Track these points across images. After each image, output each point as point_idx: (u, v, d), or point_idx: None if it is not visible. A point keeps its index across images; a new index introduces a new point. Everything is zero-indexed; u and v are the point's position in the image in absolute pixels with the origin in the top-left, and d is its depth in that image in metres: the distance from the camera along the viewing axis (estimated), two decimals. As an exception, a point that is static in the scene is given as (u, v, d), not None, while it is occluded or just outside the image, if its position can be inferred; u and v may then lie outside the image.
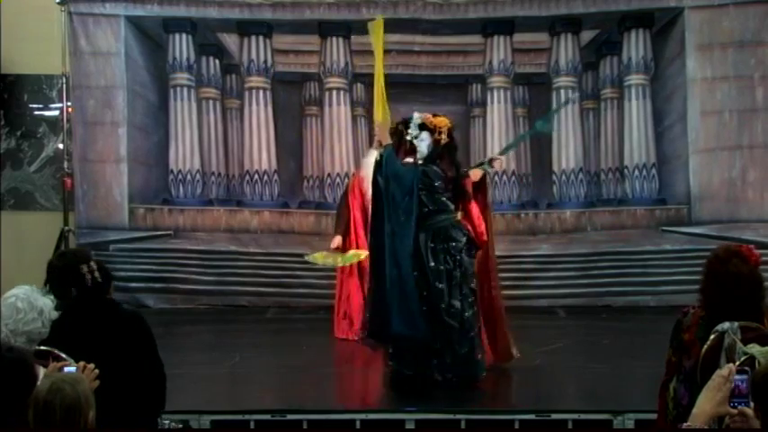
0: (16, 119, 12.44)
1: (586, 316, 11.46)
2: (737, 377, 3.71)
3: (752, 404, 3.65)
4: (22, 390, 3.86)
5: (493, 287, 8.56)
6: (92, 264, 5.41)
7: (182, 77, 12.62)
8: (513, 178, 12.64)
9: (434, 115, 8.39)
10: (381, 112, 8.10)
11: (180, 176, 12.62)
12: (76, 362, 4.48)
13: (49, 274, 5.90)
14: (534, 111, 12.79)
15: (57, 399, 3.77)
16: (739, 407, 3.71)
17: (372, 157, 8.93)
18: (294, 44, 12.76)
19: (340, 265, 10.25)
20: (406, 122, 8.28)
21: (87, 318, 5.25)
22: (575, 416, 7.14)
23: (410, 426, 7.12)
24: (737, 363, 4.16)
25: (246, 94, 12.76)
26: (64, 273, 5.44)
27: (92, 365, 4.39)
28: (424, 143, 8.22)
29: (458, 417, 7.21)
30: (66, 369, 4.32)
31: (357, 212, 10.10)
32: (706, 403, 3.75)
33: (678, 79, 12.37)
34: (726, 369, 3.79)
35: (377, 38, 8.57)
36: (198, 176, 12.65)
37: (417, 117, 8.28)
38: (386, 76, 8.46)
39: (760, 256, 5.02)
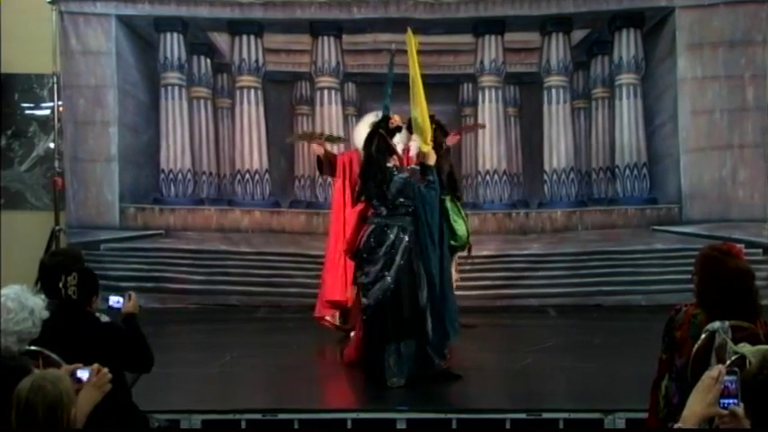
0: (7, 118, 12.40)
1: (577, 315, 11.47)
2: (727, 378, 3.72)
3: (741, 404, 3.66)
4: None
5: None
6: (70, 278, 5.38)
7: (173, 77, 12.60)
8: (505, 177, 12.64)
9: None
10: (428, 138, 8.06)
11: (171, 176, 12.60)
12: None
13: (40, 274, 5.90)
14: (525, 110, 12.80)
15: (38, 397, 3.77)
16: (729, 407, 3.72)
17: (366, 124, 8.78)
18: (285, 43, 12.75)
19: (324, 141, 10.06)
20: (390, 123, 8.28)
21: (63, 330, 5.24)
22: (565, 415, 7.15)
23: (401, 426, 7.13)
24: (728, 362, 4.17)
25: (237, 93, 12.75)
26: (55, 272, 5.44)
27: (105, 369, 4.39)
28: (414, 144, 8.28)
29: (449, 416, 7.21)
30: (78, 372, 4.33)
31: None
32: (696, 405, 3.75)
33: (669, 78, 12.38)
34: (715, 370, 3.80)
35: (410, 53, 8.40)
36: (189, 176, 12.63)
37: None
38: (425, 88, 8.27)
39: (743, 252, 5.10)
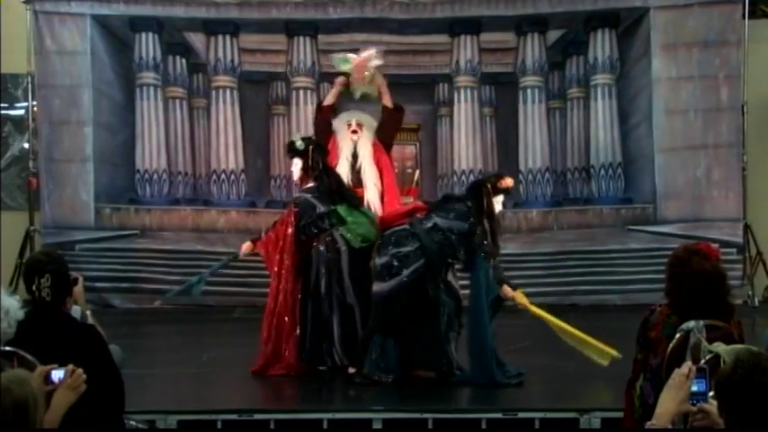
0: (-19, 118, 12.38)
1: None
2: (696, 378, 3.77)
3: (714, 401, 3.68)
4: None
5: None
6: (43, 279, 5.34)
7: (148, 76, 12.57)
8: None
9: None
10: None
11: (146, 176, 12.56)
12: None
13: (21, 275, 5.88)
14: (501, 110, 12.83)
15: (6, 399, 3.73)
16: (698, 404, 3.75)
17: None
18: (261, 43, 12.74)
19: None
20: None
21: (39, 331, 5.21)
22: (541, 415, 7.17)
23: (377, 425, 7.12)
24: (703, 361, 4.20)
25: (213, 93, 12.73)
26: (29, 274, 5.41)
27: (80, 370, 4.37)
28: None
29: (425, 416, 7.21)
30: (53, 372, 4.31)
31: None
32: (669, 402, 3.78)
33: (643, 79, 12.43)
34: (685, 367, 3.83)
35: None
36: (164, 176, 12.60)
37: None
38: None
39: (719, 251, 5.08)
